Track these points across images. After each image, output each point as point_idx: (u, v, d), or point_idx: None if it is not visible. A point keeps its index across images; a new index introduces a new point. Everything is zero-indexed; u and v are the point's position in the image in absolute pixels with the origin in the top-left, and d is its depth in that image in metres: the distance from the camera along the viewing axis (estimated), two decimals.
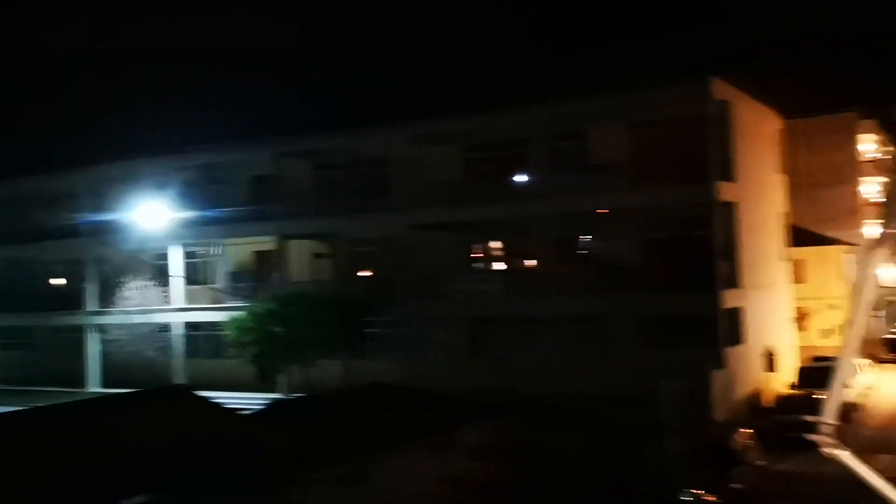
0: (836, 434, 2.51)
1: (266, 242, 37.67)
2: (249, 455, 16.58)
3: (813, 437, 2.47)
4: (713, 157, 28.45)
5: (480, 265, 35.74)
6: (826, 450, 2.39)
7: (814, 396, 27.06)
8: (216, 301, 37.74)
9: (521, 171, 32.80)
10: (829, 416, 2.39)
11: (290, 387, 32.84)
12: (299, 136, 36.89)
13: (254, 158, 37.89)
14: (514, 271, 33.88)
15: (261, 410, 22.76)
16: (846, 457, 2.40)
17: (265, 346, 30.77)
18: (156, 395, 22.27)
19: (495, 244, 35.80)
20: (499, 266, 35.34)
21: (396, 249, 34.76)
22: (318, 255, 38.30)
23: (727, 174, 29.62)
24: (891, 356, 45.22)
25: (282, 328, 30.65)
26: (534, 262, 32.54)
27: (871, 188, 52.03)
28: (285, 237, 36.83)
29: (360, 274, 37.01)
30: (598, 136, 31.45)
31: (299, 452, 16.67)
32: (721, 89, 29.57)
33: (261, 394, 31.11)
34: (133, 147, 45.32)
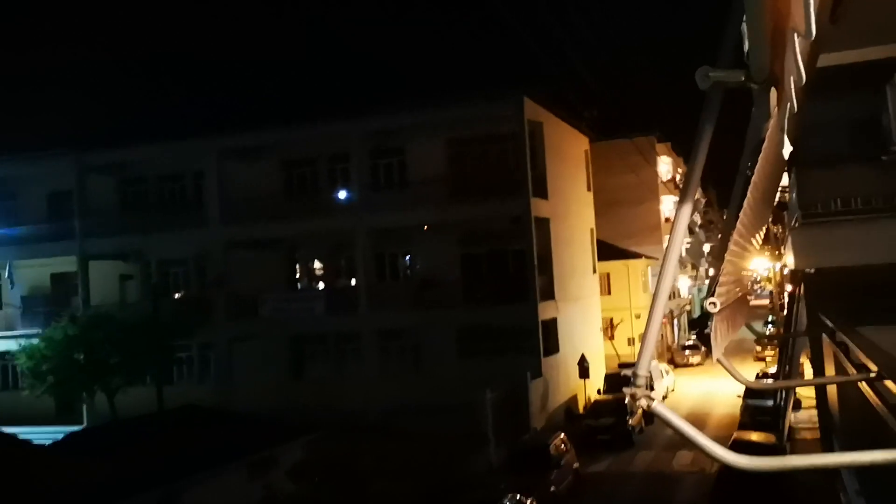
0: (649, 386, 2.55)
1: (66, 263, 34.89)
2: (43, 489, 15.08)
3: (628, 390, 2.51)
4: (527, 175, 29.54)
5: (301, 283, 35.03)
6: (640, 402, 2.42)
7: (621, 399, 28.69)
8: (8, 327, 34.50)
9: (341, 187, 32.55)
10: (642, 368, 2.43)
11: (96, 417, 30.53)
12: (104, 149, 34.52)
13: (52, 172, 35.08)
14: (335, 288, 33.49)
15: (58, 442, 20.87)
16: (658, 406, 2.45)
17: (65, 374, 28.38)
18: None
19: (316, 261, 35.26)
20: (320, 283, 34.80)
21: (211, 268, 33.31)
22: (124, 277, 36.00)
23: (541, 191, 30.89)
24: (687, 361, 48.95)
25: (84, 355, 28.42)
26: (355, 279, 32.29)
27: (668, 206, 56.26)
28: (87, 257, 34.32)
29: (172, 295, 35.12)
30: (417, 153, 31.82)
31: (102, 483, 15.39)
32: (533, 110, 30.85)
33: (62, 426, 28.64)
34: None
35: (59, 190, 35.39)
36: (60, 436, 23.59)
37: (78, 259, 34.19)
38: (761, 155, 3.62)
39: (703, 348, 49.05)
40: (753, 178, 3.78)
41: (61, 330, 28.64)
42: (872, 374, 4.34)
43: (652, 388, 2.90)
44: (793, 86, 1.80)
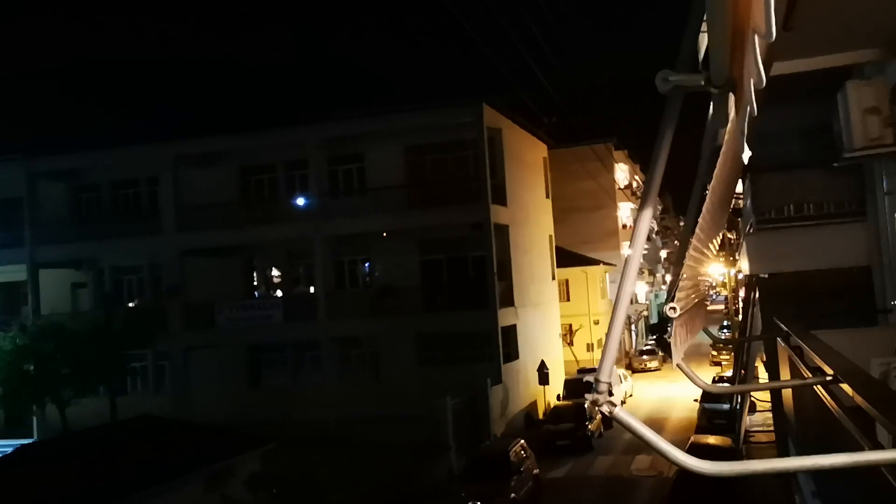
0: (610, 392, 2.55)
1: (15, 272, 34.02)
2: None
3: (590, 395, 2.49)
4: (487, 181, 29.61)
5: (259, 291, 34.63)
6: (602, 408, 2.41)
7: (580, 404, 28.89)
8: None
9: (300, 194, 32.27)
10: (604, 375, 2.42)
11: (47, 429, 29.81)
12: (55, 155, 33.75)
13: (1, 179, 34.19)
14: (294, 296, 33.17)
15: (7, 456, 20.27)
16: (619, 412, 2.45)
17: (14, 386, 27.65)
18: None
19: (275, 269, 34.91)
20: (278, 291, 34.44)
21: (167, 276, 32.75)
22: (77, 285, 35.23)
23: (500, 198, 30.99)
24: (644, 366, 49.50)
25: (33, 366, 27.71)
26: (313, 287, 32.01)
27: (626, 212, 56.94)
28: (38, 266, 33.52)
29: (126, 304, 34.47)
30: (376, 159, 31.69)
31: (53, 498, 14.98)
32: (493, 117, 30.96)
33: (11, 440, 27.92)
34: None
35: (9, 197, 34.49)
36: (9, 450, 22.95)
37: (28, 267, 33.38)
38: (719, 160, 3.64)
39: (660, 353, 49.67)
40: (712, 183, 3.80)
41: (10, 340, 27.91)
42: (828, 377, 4.38)
43: (612, 394, 2.88)
44: (752, 88, 1.79)
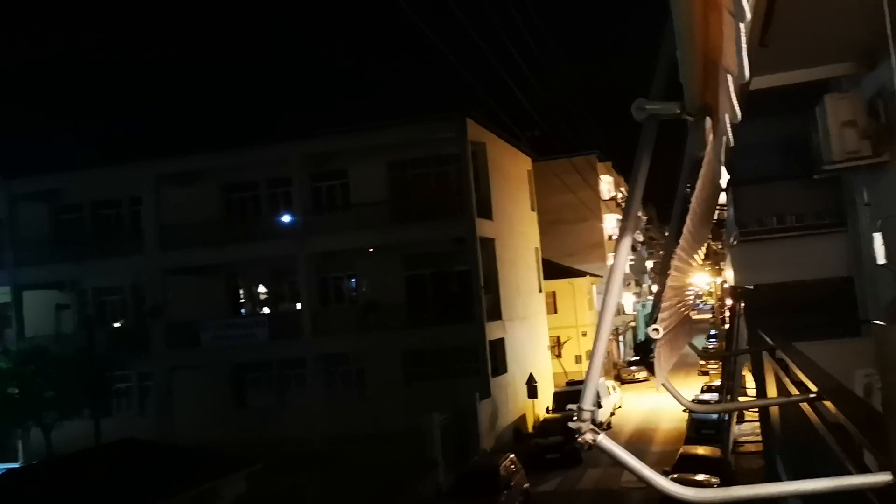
0: (593, 422, 2.53)
1: None
2: None
3: (573, 424, 2.47)
4: (471, 195, 29.63)
5: (244, 309, 34.43)
6: (585, 436, 2.39)
7: (569, 417, 28.87)
8: None
9: (283, 211, 32.17)
10: (587, 403, 2.40)
11: (31, 453, 29.46)
12: (35, 176, 33.53)
13: None
14: (279, 313, 33.00)
15: None
16: (603, 440, 2.43)
17: None
18: None
19: (260, 287, 34.72)
20: (263, 309, 34.26)
21: (150, 296, 32.51)
22: (60, 307, 34.90)
23: (485, 211, 31.01)
24: (633, 377, 49.55)
25: (17, 389, 27.41)
26: (299, 304, 31.86)
27: (611, 224, 57.13)
28: (20, 287, 33.21)
29: (110, 324, 34.19)
30: (359, 175, 31.67)
31: None
32: (476, 131, 31.02)
33: None
34: None
35: None
36: None
37: (10, 289, 33.06)
38: (699, 182, 3.64)
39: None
40: (692, 203, 3.80)
41: None
42: (812, 395, 4.38)
43: (595, 422, 2.86)
44: (728, 122, 1.78)
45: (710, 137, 2.87)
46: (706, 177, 3.70)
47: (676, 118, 2.59)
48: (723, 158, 2.45)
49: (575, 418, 2.79)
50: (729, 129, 1.92)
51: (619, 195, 59.51)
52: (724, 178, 2.82)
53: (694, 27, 1.97)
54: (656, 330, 3.59)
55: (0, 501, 17.15)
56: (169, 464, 19.48)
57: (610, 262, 47.36)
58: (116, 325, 34.57)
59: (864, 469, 3.21)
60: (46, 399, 27.43)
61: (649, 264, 72.33)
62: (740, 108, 1.96)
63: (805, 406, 4.48)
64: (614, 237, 58.06)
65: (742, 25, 1.21)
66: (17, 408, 27.53)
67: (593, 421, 2.82)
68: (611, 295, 2.70)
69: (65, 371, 27.12)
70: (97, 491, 17.00)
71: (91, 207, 34.56)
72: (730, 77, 1.58)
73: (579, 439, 2.85)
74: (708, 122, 2.79)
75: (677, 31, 2.08)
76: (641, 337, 67.10)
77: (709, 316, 77.76)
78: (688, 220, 4.17)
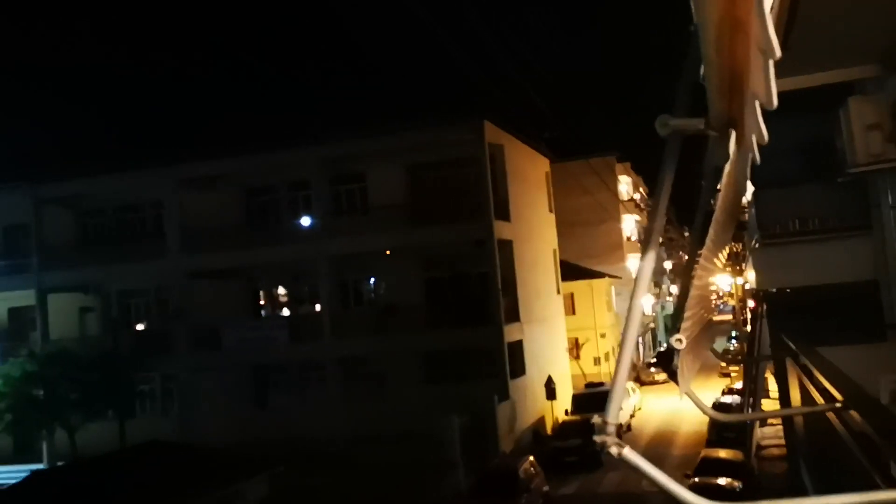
0: (618, 434, 2.54)
1: (23, 297, 34.12)
2: None
3: (596, 437, 2.48)
4: (489, 198, 29.61)
5: (264, 312, 34.63)
6: (611, 449, 2.41)
7: (588, 420, 28.76)
8: None
9: (302, 214, 32.33)
10: (611, 416, 2.41)
11: (56, 455, 29.81)
12: (60, 181, 33.94)
13: (7, 206, 34.36)
14: (299, 316, 33.15)
15: (21, 482, 20.22)
16: (629, 453, 2.43)
17: (23, 412, 27.68)
18: None
19: (280, 290, 34.91)
20: (283, 311, 34.44)
21: (173, 299, 32.79)
22: (85, 309, 35.30)
23: (503, 213, 30.97)
24: (653, 378, 49.26)
25: (42, 391, 27.75)
26: (318, 306, 31.99)
27: (630, 225, 56.88)
28: (46, 291, 33.61)
29: (133, 327, 34.54)
30: (378, 178, 31.76)
31: None
32: (494, 133, 31.00)
33: (22, 466, 27.96)
34: None
35: (16, 223, 34.72)
36: (19, 475, 22.94)
37: (36, 293, 33.48)
38: (721, 192, 3.63)
39: None
40: (715, 214, 3.79)
41: (19, 366, 28.02)
42: (838, 404, 4.36)
43: (620, 436, 2.87)
44: (755, 142, 1.79)
45: (734, 150, 2.87)
46: (729, 187, 3.69)
47: (701, 133, 2.58)
48: (748, 174, 2.45)
49: (600, 432, 2.80)
50: (756, 149, 1.92)
51: (638, 196, 59.23)
52: (750, 189, 2.82)
53: (720, 47, 1.97)
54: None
55: (27, 503, 17.37)
56: (194, 466, 19.66)
57: (629, 262, 47.08)
58: (139, 327, 34.92)
59: (891, 481, 3.19)
60: (71, 401, 27.74)
61: (668, 265, 71.91)
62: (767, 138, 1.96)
63: (830, 414, 4.46)
64: (633, 238, 57.82)
65: (772, 61, 1.22)
66: (42, 409, 27.87)
67: (618, 435, 2.83)
68: (633, 314, 2.71)
69: (89, 373, 27.43)
70: (123, 493, 17.18)
71: (114, 212, 34.96)
72: (757, 102, 1.59)
73: (609, 451, 2.86)
74: (733, 134, 2.79)
75: (703, 51, 2.08)
76: (661, 338, 66.75)
77: (729, 317, 77.22)
78: (711, 231, 4.16)
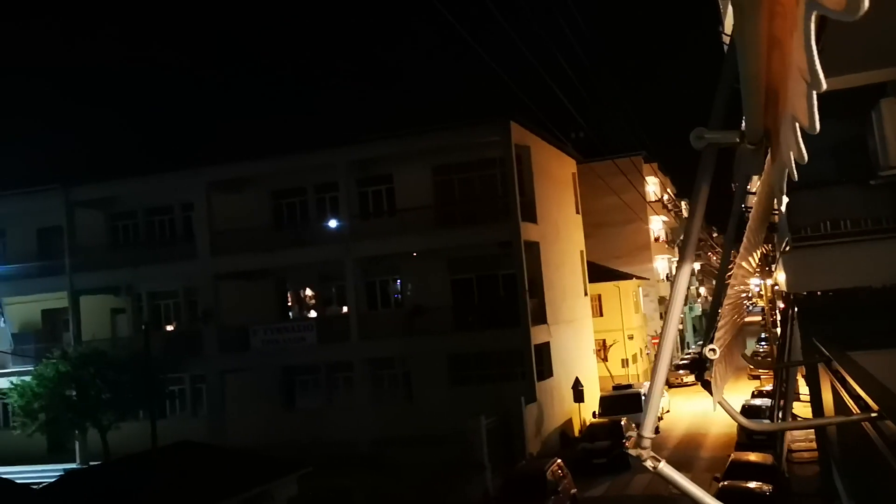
0: (653, 448, 2.56)
1: (57, 299, 34.69)
2: None
3: (632, 451, 2.49)
4: (516, 199, 29.58)
5: (292, 313, 34.88)
6: (647, 463, 2.43)
7: (616, 421, 28.62)
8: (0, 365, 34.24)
9: (330, 216, 32.52)
10: (647, 431, 2.43)
11: (88, 454, 30.26)
12: (92, 184, 34.48)
13: (41, 208, 34.96)
14: (326, 317, 33.34)
15: (55, 481, 20.56)
16: (664, 468, 2.44)
17: (56, 412, 28.12)
18: None
19: (307, 291, 35.14)
20: (311, 313, 34.66)
21: (202, 300, 33.16)
22: (116, 311, 35.80)
23: (530, 215, 30.92)
24: (681, 381, 48.84)
25: (75, 391, 28.18)
26: (345, 308, 32.16)
27: (657, 226, 56.45)
28: (78, 292, 34.14)
29: (164, 328, 34.97)
30: (405, 180, 31.86)
31: None
32: (520, 134, 30.96)
33: (55, 465, 28.45)
34: None
35: (48, 225, 35.31)
36: (52, 474, 23.32)
37: (68, 294, 34.01)
38: (755, 201, 3.63)
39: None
40: (749, 223, 3.79)
41: (52, 367, 28.44)
42: (874, 414, 4.31)
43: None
44: (793, 160, 1.80)
45: (769, 161, 2.86)
46: (762, 196, 3.69)
47: (736, 146, 2.59)
48: (784, 188, 2.45)
49: (636, 445, 2.81)
50: (794, 166, 1.93)
51: (666, 196, 58.77)
52: (784, 201, 2.81)
53: (758, 64, 1.98)
54: (713, 350, 3.58)
55: (61, 502, 17.64)
56: (224, 466, 19.86)
57: (656, 263, 46.59)
58: (170, 328, 35.33)
59: None
60: (103, 401, 28.12)
61: (696, 266, 71.32)
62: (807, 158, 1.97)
63: (866, 424, 4.41)
64: (660, 239, 57.39)
65: (815, 92, 1.23)
66: (75, 409, 28.27)
67: (652, 448, 2.85)
68: (669, 331, 2.72)
69: (121, 374, 27.79)
70: (154, 493, 17.39)
71: (145, 214, 35.41)
72: (797, 123, 1.60)
73: (645, 464, 2.87)
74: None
75: (741, 68, 2.09)
76: (689, 339, 66.22)
77: (758, 318, 76.38)
78: (745, 239, 4.16)
